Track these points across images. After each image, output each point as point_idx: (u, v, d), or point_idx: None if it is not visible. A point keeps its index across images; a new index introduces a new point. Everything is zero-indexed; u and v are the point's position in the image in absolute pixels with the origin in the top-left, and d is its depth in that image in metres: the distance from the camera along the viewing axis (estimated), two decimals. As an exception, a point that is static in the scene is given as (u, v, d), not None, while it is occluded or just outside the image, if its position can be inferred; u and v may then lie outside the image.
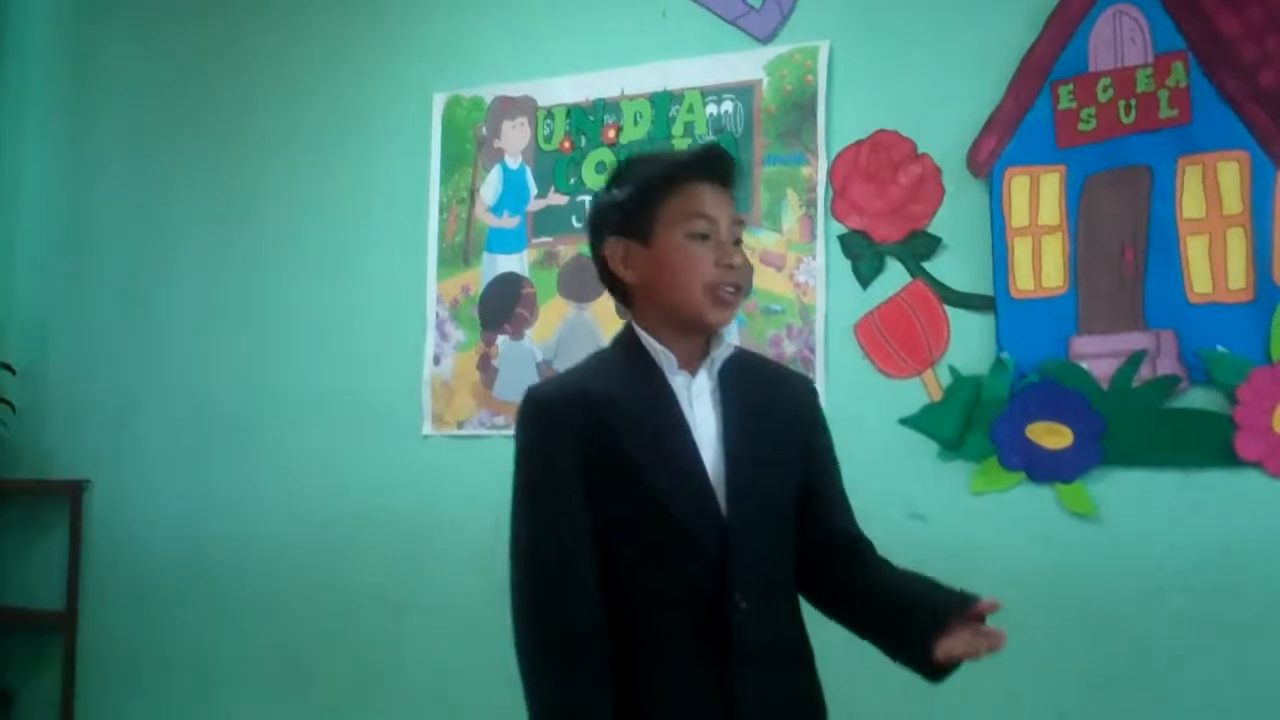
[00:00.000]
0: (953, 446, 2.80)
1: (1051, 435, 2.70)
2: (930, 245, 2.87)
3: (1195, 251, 2.63)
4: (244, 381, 3.67)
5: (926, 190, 2.88)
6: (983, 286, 2.81)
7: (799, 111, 3.02)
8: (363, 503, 3.45)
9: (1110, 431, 2.66)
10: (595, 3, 3.29)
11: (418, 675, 3.32)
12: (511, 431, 1.66)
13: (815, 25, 3.03)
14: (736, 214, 1.66)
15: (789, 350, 2.99)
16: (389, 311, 3.48)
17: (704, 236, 1.61)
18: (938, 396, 2.83)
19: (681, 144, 3.11)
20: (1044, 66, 2.77)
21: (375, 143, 3.54)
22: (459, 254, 3.39)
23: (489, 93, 3.39)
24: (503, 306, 3.33)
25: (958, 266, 2.85)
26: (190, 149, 3.82)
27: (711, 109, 3.13)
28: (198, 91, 3.83)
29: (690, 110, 3.15)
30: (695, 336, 1.65)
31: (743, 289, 1.65)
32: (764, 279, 3.03)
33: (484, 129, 3.40)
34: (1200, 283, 2.62)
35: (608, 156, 3.20)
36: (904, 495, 2.79)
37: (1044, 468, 2.71)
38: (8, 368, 3.92)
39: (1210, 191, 2.62)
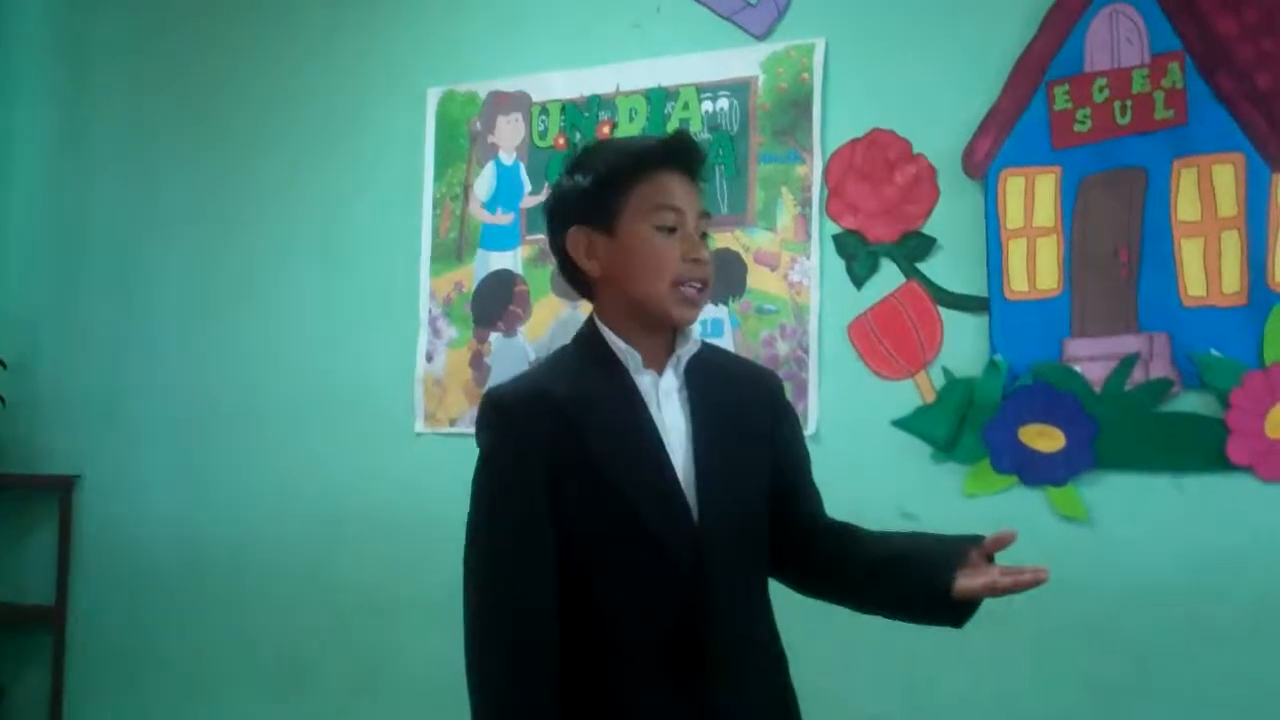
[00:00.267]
0: (945, 448, 2.79)
1: (1044, 438, 2.69)
2: (925, 246, 2.86)
3: (1190, 254, 2.61)
4: (236, 377, 3.66)
5: (921, 190, 2.87)
6: (977, 288, 2.80)
7: (794, 109, 3.01)
8: (355, 500, 3.45)
9: (1103, 434, 2.65)
10: (590, -2, 3.28)
11: (410, 672, 3.32)
12: None
13: (811, 23, 3.01)
14: (702, 207, 1.61)
15: (782, 350, 2.98)
16: (382, 308, 3.47)
17: (671, 229, 1.56)
18: (930, 398, 2.83)
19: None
20: (1040, 67, 2.76)
21: (369, 138, 3.53)
22: (452, 250, 3.38)
23: (483, 88, 3.38)
24: (496, 303, 3.31)
25: (952, 267, 2.84)
26: (183, 144, 3.80)
27: (707, 106, 3.12)
28: (190, 87, 3.81)
29: (686, 107, 3.14)
30: (660, 332, 1.60)
31: (709, 285, 1.59)
32: (758, 278, 3.02)
33: (478, 124, 3.38)
34: (1194, 286, 2.61)
35: (602, 154, 3.18)
36: (896, 497, 2.78)
37: (1036, 470, 2.70)
38: (-1, 361, 3.92)
39: (1205, 194, 2.61)
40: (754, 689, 1.56)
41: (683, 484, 1.54)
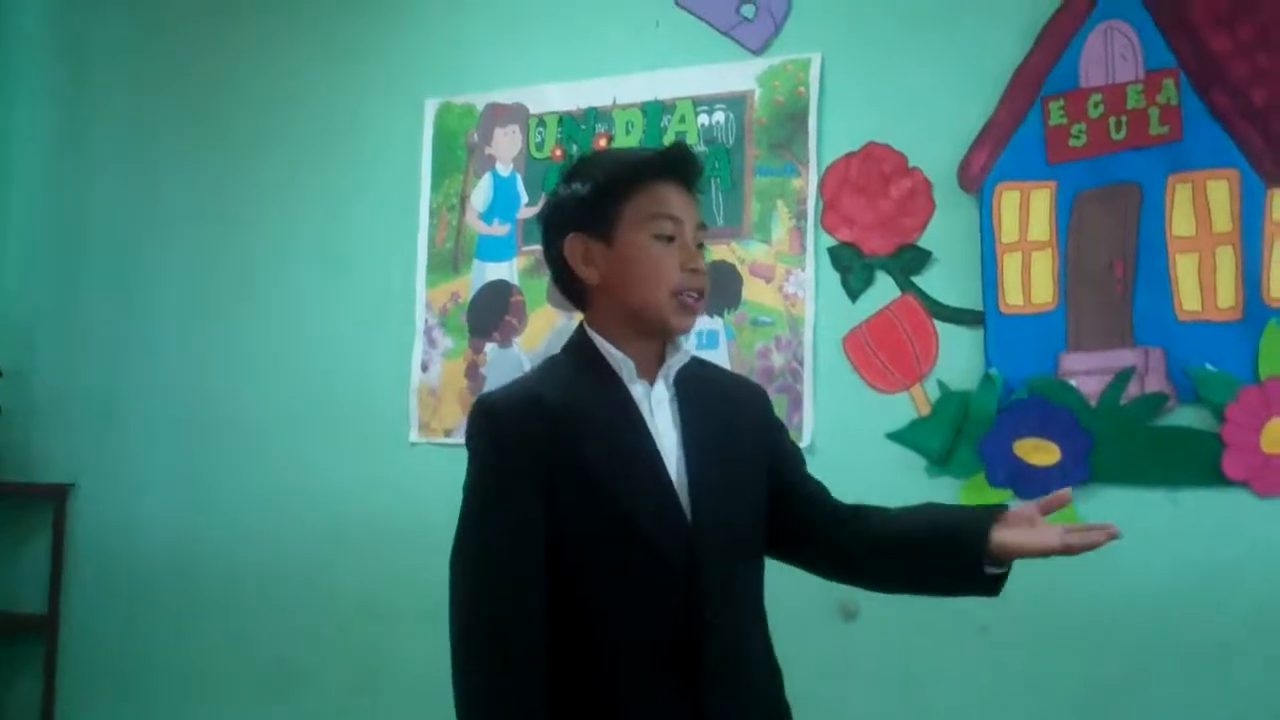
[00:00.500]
0: (940, 462, 2.79)
1: (1039, 452, 2.69)
2: (920, 259, 2.86)
3: (1184, 269, 2.62)
4: (232, 386, 3.66)
5: (917, 204, 2.88)
6: (972, 301, 2.81)
7: (791, 123, 3.02)
8: (350, 508, 3.44)
9: (1098, 449, 2.65)
10: (588, 11, 3.28)
11: (406, 678, 3.31)
12: None
13: (808, 37, 3.02)
14: (699, 218, 1.62)
15: (777, 362, 2.98)
16: (378, 317, 3.47)
17: (669, 238, 1.57)
18: (926, 411, 2.83)
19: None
20: (1035, 82, 2.77)
21: (367, 148, 3.53)
22: (449, 261, 3.38)
23: (481, 99, 3.39)
24: (491, 314, 3.32)
25: (947, 281, 2.84)
26: (182, 152, 3.80)
27: (703, 119, 3.12)
28: (190, 95, 3.81)
29: (682, 120, 3.15)
30: (653, 342, 1.60)
31: (705, 295, 1.60)
32: (753, 290, 3.02)
33: (475, 136, 3.39)
34: (1189, 300, 2.61)
35: (599, 165, 3.19)
36: (891, 510, 2.78)
37: (1031, 484, 2.69)
38: (-6, 369, 3.91)
39: (1200, 209, 2.62)
40: (749, 695, 1.55)
41: (676, 489, 1.54)
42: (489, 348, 3.31)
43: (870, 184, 2.92)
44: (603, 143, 3.21)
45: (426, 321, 3.39)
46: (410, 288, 3.42)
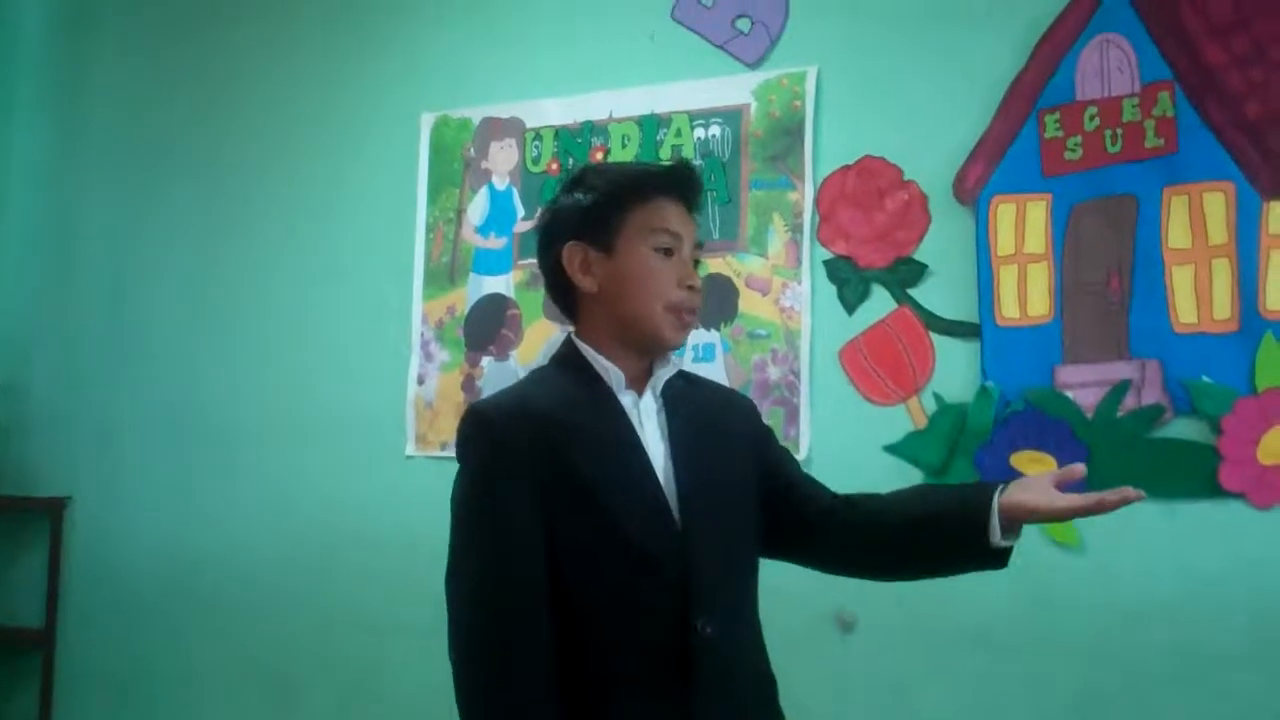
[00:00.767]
0: (937, 474, 2.78)
1: (1035, 464, 2.69)
2: (916, 272, 2.87)
3: (1180, 281, 2.62)
4: (228, 399, 3.66)
5: (912, 217, 2.88)
6: (968, 314, 2.81)
7: (786, 136, 3.02)
8: (346, 522, 3.43)
9: (1094, 461, 2.64)
10: (584, 25, 3.29)
11: (400, 695, 3.30)
12: None
13: (804, 51, 3.03)
14: (697, 237, 1.64)
15: (774, 375, 2.98)
16: (374, 331, 3.46)
17: (668, 252, 1.58)
18: (922, 424, 2.83)
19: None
20: (1031, 95, 2.77)
21: (363, 162, 3.54)
22: (445, 274, 3.39)
23: (477, 113, 3.39)
24: (488, 327, 3.32)
25: (943, 293, 2.84)
26: (178, 166, 3.81)
27: (699, 133, 3.13)
28: (186, 108, 3.82)
29: (678, 134, 3.15)
30: (643, 354, 1.61)
31: (697, 312, 1.63)
32: (749, 303, 3.02)
33: (472, 149, 3.39)
34: (1185, 313, 2.62)
35: (595, 179, 3.19)
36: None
37: (1028, 496, 2.69)
38: (-10, 383, 3.91)
39: (1196, 221, 2.62)
40: (742, 705, 1.55)
41: (666, 498, 1.54)
42: (485, 361, 3.31)
43: (866, 197, 2.93)
44: (599, 156, 3.22)
45: (423, 335, 3.39)
46: (406, 301, 3.42)
